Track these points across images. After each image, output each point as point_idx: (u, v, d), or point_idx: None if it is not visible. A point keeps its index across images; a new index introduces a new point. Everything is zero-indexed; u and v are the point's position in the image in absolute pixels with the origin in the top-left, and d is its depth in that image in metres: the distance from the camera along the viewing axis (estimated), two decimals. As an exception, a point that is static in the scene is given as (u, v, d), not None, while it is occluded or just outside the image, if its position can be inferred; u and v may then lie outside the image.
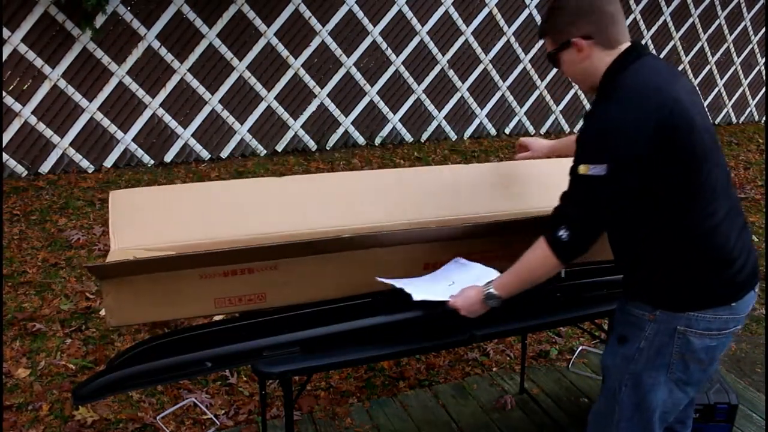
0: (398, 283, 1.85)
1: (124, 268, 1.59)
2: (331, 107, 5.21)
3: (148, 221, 1.78)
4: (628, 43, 1.55)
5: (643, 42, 6.33)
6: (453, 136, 5.79)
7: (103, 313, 3.07)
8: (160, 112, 4.67)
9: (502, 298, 1.63)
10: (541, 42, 5.80)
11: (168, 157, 4.79)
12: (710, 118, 6.94)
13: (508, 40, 5.70)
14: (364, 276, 1.83)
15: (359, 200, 1.94)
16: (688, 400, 1.66)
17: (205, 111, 4.81)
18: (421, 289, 1.82)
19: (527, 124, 6.06)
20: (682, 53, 6.61)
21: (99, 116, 4.50)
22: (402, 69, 5.36)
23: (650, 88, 1.45)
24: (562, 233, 1.49)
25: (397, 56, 5.31)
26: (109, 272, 1.61)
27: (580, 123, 6.43)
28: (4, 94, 4.20)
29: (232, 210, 1.86)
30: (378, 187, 2.02)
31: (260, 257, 1.70)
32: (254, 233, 1.76)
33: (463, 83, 5.66)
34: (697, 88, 6.78)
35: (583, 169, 1.44)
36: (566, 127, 6.28)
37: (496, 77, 5.78)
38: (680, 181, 1.45)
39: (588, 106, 6.30)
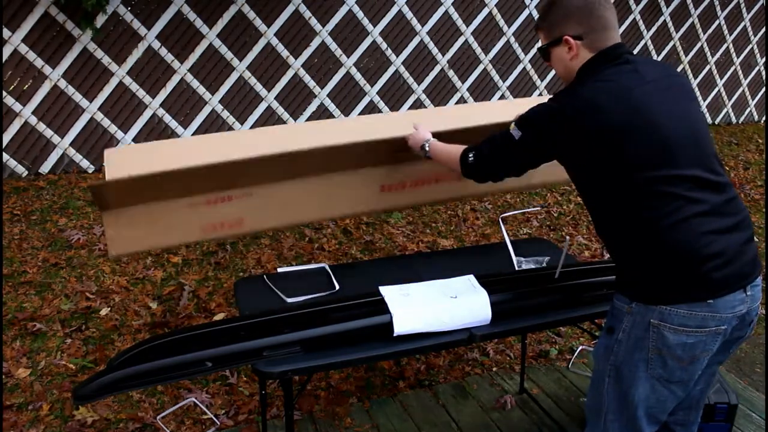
0: (393, 301, 1.88)
1: (120, 191, 1.81)
2: (331, 107, 5.22)
3: (137, 160, 2.01)
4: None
5: (643, 42, 6.34)
6: (453, 136, 5.78)
7: (103, 312, 3.08)
8: (160, 112, 4.67)
9: (426, 155, 2.02)
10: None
11: (168, 157, 4.78)
12: (704, 116, 6.94)
13: (508, 41, 5.70)
14: (329, 200, 2.18)
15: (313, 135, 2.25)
16: (675, 399, 1.65)
17: (205, 111, 4.81)
18: (414, 310, 1.87)
19: (527, 124, 6.06)
20: (681, 53, 6.61)
21: (99, 116, 4.50)
22: (402, 69, 5.37)
23: (593, 99, 1.55)
24: (471, 156, 1.80)
25: (397, 56, 5.31)
26: (109, 196, 1.82)
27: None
28: (4, 94, 4.20)
29: (211, 147, 2.22)
30: (329, 128, 2.56)
31: (236, 178, 1.97)
32: (230, 158, 1.94)
33: (463, 83, 5.66)
34: (697, 88, 6.79)
35: (511, 126, 1.67)
36: (566, 127, 6.29)
37: (496, 77, 5.78)
38: (634, 178, 1.52)
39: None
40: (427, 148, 2.01)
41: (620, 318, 1.61)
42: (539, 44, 1.75)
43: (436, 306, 1.89)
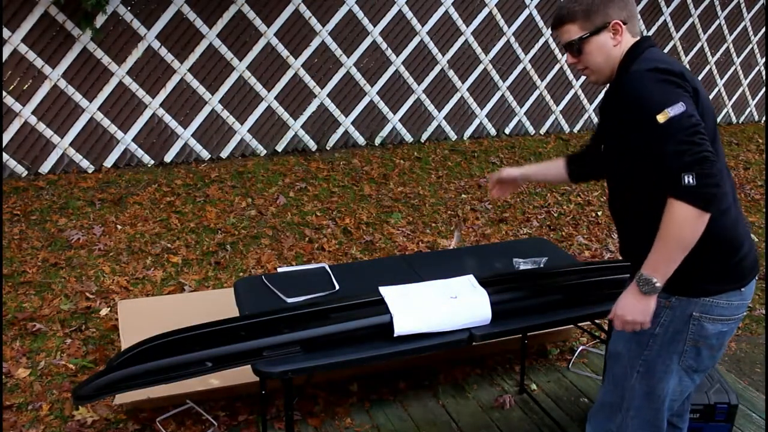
0: (393, 301, 1.88)
1: None
2: (331, 107, 5.21)
3: None
4: (641, 35, 1.64)
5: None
6: (453, 136, 5.79)
7: (103, 312, 3.08)
8: (160, 112, 4.67)
9: (658, 281, 1.48)
10: (541, 41, 5.81)
11: (168, 157, 4.79)
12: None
13: (508, 40, 5.70)
14: None
15: None
16: (693, 387, 1.69)
17: (205, 111, 4.81)
18: (414, 311, 1.86)
19: (527, 124, 6.06)
20: (682, 53, 6.61)
21: (99, 116, 4.50)
22: (402, 69, 5.36)
23: (672, 60, 1.54)
24: (687, 180, 1.38)
25: (397, 56, 5.31)
26: None
27: (581, 123, 6.41)
28: (4, 94, 4.20)
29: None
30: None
31: None
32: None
33: (463, 83, 5.66)
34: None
35: (661, 117, 1.40)
36: (566, 128, 6.28)
37: (496, 77, 5.78)
38: None
39: (588, 107, 6.30)
40: (649, 277, 1.49)
41: (657, 312, 1.54)
42: (569, 39, 1.60)
43: (437, 306, 1.89)
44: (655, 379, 1.62)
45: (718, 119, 7.09)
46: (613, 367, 1.71)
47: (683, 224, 1.41)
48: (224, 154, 4.96)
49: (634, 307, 1.51)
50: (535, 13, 5.71)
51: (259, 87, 4.90)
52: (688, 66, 6.65)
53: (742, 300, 1.59)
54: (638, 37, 1.62)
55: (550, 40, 5.88)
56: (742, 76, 7.06)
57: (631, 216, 1.63)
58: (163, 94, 4.64)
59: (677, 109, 1.40)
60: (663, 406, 1.64)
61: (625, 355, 1.66)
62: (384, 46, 5.23)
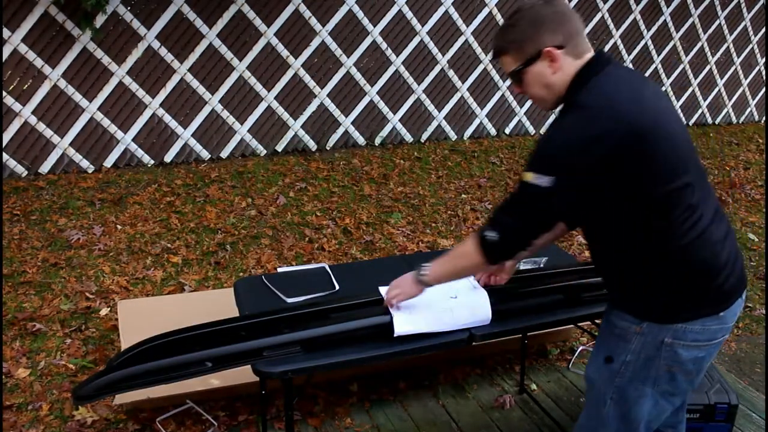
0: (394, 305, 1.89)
1: None
2: (331, 107, 5.21)
3: None
4: (592, 53, 1.49)
5: (643, 42, 6.33)
6: (453, 136, 5.79)
7: (103, 312, 3.08)
8: (160, 112, 4.67)
9: (430, 283, 1.71)
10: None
11: (168, 157, 4.79)
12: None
13: (508, 40, 5.69)
14: None
15: None
16: (673, 408, 1.64)
17: (205, 111, 4.81)
18: (414, 311, 1.87)
19: (527, 124, 6.06)
20: (682, 53, 6.61)
21: (99, 116, 4.50)
22: (402, 69, 5.36)
23: (614, 102, 1.39)
24: (492, 235, 1.50)
25: (397, 56, 5.31)
26: None
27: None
28: (4, 94, 4.20)
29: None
30: None
31: None
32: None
33: (463, 83, 5.66)
34: (697, 88, 6.79)
35: (529, 176, 1.41)
36: (566, 127, 6.28)
37: (496, 77, 5.78)
38: (658, 192, 1.41)
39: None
40: (425, 278, 1.70)
41: (626, 338, 1.54)
42: (508, 71, 1.52)
43: (437, 306, 1.89)
44: (628, 405, 1.58)
45: (718, 119, 7.10)
46: (589, 392, 1.68)
47: (468, 261, 1.58)
48: (224, 154, 4.96)
49: (406, 284, 1.76)
50: (535, 13, 5.70)
51: (259, 87, 4.90)
52: (688, 66, 6.65)
53: (721, 324, 1.51)
54: (587, 56, 1.47)
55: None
56: (742, 76, 7.06)
57: (599, 247, 1.62)
58: (163, 94, 4.64)
59: (542, 181, 1.39)
60: (639, 428, 1.60)
61: (597, 380, 1.63)
62: (384, 46, 5.23)
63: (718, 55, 6.83)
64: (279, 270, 2.45)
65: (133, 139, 4.64)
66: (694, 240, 1.45)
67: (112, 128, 4.56)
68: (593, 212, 1.51)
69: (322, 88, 5.13)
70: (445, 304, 1.91)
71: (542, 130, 6.14)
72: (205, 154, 4.89)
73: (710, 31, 6.65)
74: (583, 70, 1.46)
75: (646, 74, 6.45)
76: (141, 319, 2.72)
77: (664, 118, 1.43)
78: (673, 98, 6.71)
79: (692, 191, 1.44)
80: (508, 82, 5.82)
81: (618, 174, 1.38)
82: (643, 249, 1.48)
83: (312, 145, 5.24)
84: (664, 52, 6.49)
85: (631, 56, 6.31)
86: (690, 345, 1.50)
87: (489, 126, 5.91)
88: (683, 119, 1.54)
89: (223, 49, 4.70)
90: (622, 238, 1.50)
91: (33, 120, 4.32)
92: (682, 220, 1.43)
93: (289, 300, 2.11)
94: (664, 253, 1.46)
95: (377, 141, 5.48)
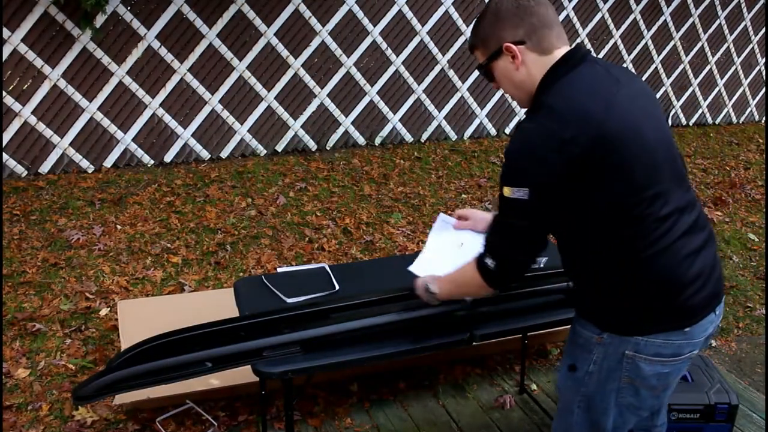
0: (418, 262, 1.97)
1: None
2: (331, 107, 5.21)
3: None
4: (566, 48, 1.43)
5: (643, 42, 6.33)
6: (453, 136, 5.78)
7: (103, 313, 3.08)
8: (160, 112, 4.66)
9: (437, 298, 1.73)
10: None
11: (168, 157, 4.78)
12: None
13: (508, 40, 5.69)
14: None
15: None
16: (636, 420, 1.59)
17: (205, 111, 4.80)
18: (428, 260, 1.94)
19: (527, 124, 6.05)
20: (682, 53, 6.60)
21: (99, 116, 4.50)
22: (402, 69, 5.36)
23: (579, 106, 1.33)
24: (489, 261, 1.47)
25: (397, 56, 5.31)
26: None
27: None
28: (4, 94, 4.19)
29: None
30: None
31: None
32: None
33: (463, 83, 5.66)
34: (697, 88, 6.78)
35: (507, 191, 1.38)
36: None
37: (496, 77, 5.77)
38: (624, 201, 1.36)
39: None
40: (434, 292, 1.71)
41: (588, 348, 1.51)
42: (478, 64, 1.51)
43: (449, 254, 1.90)
44: (596, 414, 1.55)
45: (719, 119, 7.09)
46: (559, 399, 1.67)
47: (469, 286, 1.58)
48: (224, 154, 4.95)
49: (420, 291, 1.77)
50: (535, 13, 5.70)
51: (259, 87, 4.90)
52: (688, 66, 6.65)
53: (687, 339, 1.44)
54: (558, 52, 1.41)
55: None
56: (742, 76, 7.06)
57: (565, 252, 1.58)
58: (163, 94, 4.64)
59: (520, 194, 1.35)
60: None
61: (564, 390, 1.61)
62: (384, 46, 5.23)
63: (719, 55, 6.83)
64: (279, 270, 2.45)
65: (133, 139, 4.64)
66: (659, 252, 1.38)
67: (112, 128, 4.56)
68: (563, 218, 1.45)
69: (322, 88, 5.13)
70: (455, 251, 1.92)
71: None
72: (205, 154, 4.89)
73: (710, 31, 6.65)
74: (551, 70, 1.41)
75: (646, 74, 6.45)
76: (141, 319, 2.71)
77: (636, 123, 1.36)
78: (673, 98, 6.71)
79: (664, 202, 1.38)
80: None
81: (582, 181, 1.33)
82: (605, 258, 1.43)
83: (312, 145, 5.23)
84: (664, 52, 6.49)
85: (631, 56, 6.31)
86: (652, 360, 1.44)
87: (489, 126, 5.91)
88: (667, 121, 1.50)
89: (223, 49, 4.70)
90: (586, 245, 1.45)
91: (33, 120, 4.32)
92: (647, 232, 1.37)
93: (289, 300, 2.11)
94: (625, 263, 1.41)
95: (377, 141, 5.48)
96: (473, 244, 1.91)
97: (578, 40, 5.94)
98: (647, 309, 1.43)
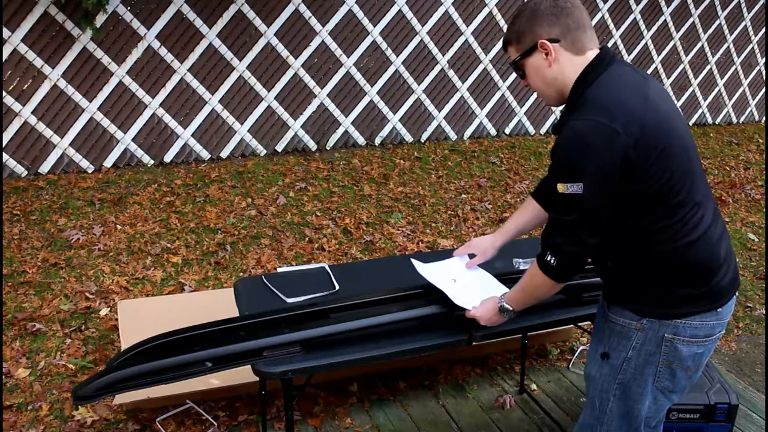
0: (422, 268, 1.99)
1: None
2: (331, 107, 5.21)
3: None
4: (597, 50, 1.51)
5: (643, 42, 6.33)
6: (453, 136, 5.78)
7: (103, 313, 3.07)
8: (160, 112, 4.66)
9: (514, 311, 1.72)
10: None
11: (168, 157, 4.78)
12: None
13: (508, 40, 5.69)
14: None
15: None
16: (670, 404, 1.66)
17: (205, 111, 4.81)
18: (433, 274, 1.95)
19: (527, 124, 6.05)
20: (682, 53, 6.61)
21: (99, 116, 4.50)
22: (402, 69, 5.36)
23: (622, 102, 1.41)
24: (550, 258, 1.52)
25: (397, 56, 5.31)
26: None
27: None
28: (4, 94, 4.20)
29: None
30: None
31: None
32: None
33: (463, 83, 5.66)
34: (697, 88, 6.79)
35: (561, 187, 1.43)
36: (566, 127, 6.28)
37: (496, 77, 5.78)
38: (663, 192, 1.43)
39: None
40: (507, 306, 1.71)
41: (626, 335, 1.56)
42: (510, 60, 1.57)
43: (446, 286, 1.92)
44: (631, 401, 1.60)
45: (719, 119, 7.10)
46: (589, 390, 1.69)
47: (539, 287, 1.59)
48: (224, 154, 4.95)
49: (489, 316, 1.75)
50: (535, 13, 5.70)
51: (259, 87, 4.90)
52: (688, 66, 6.65)
53: (719, 320, 1.55)
54: (590, 53, 1.49)
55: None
56: (742, 76, 7.06)
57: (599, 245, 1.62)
58: (163, 94, 4.64)
59: (574, 188, 1.40)
60: (641, 425, 1.63)
61: (598, 379, 1.64)
62: (384, 46, 5.23)
63: (719, 55, 6.83)
64: (279, 270, 2.45)
65: (133, 139, 4.64)
66: (698, 238, 1.48)
67: (112, 128, 4.56)
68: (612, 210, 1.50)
69: (322, 88, 5.13)
70: (451, 285, 1.93)
71: (542, 130, 6.14)
72: (205, 154, 4.89)
73: (710, 31, 6.65)
74: (589, 68, 1.48)
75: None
76: (141, 319, 2.71)
77: (668, 114, 1.46)
78: (673, 98, 6.71)
79: (697, 190, 1.48)
80: (509, 81, 5.82)
81: (634, 170, 1.39)
82: (648, 246, 1.50)
83: (312, 145, 5.23)
84: (664, 52, 6.49)
85: (631, 56, 6.31)
86: (689, 341, 1.53)
87: (489, 126, 5.91)
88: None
89: (223, 49, 4.70)
90: (629, 235, 1.51)
91: (33, 120, 4.32)
92: (687, 219, 1.46)
93: (289, 300, 2.11)
94: (669, 250, 1.48)
95: (377, 141, 5.48)
96: (466, 279, 1.96)
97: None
98: (687, 292, 1.51)
